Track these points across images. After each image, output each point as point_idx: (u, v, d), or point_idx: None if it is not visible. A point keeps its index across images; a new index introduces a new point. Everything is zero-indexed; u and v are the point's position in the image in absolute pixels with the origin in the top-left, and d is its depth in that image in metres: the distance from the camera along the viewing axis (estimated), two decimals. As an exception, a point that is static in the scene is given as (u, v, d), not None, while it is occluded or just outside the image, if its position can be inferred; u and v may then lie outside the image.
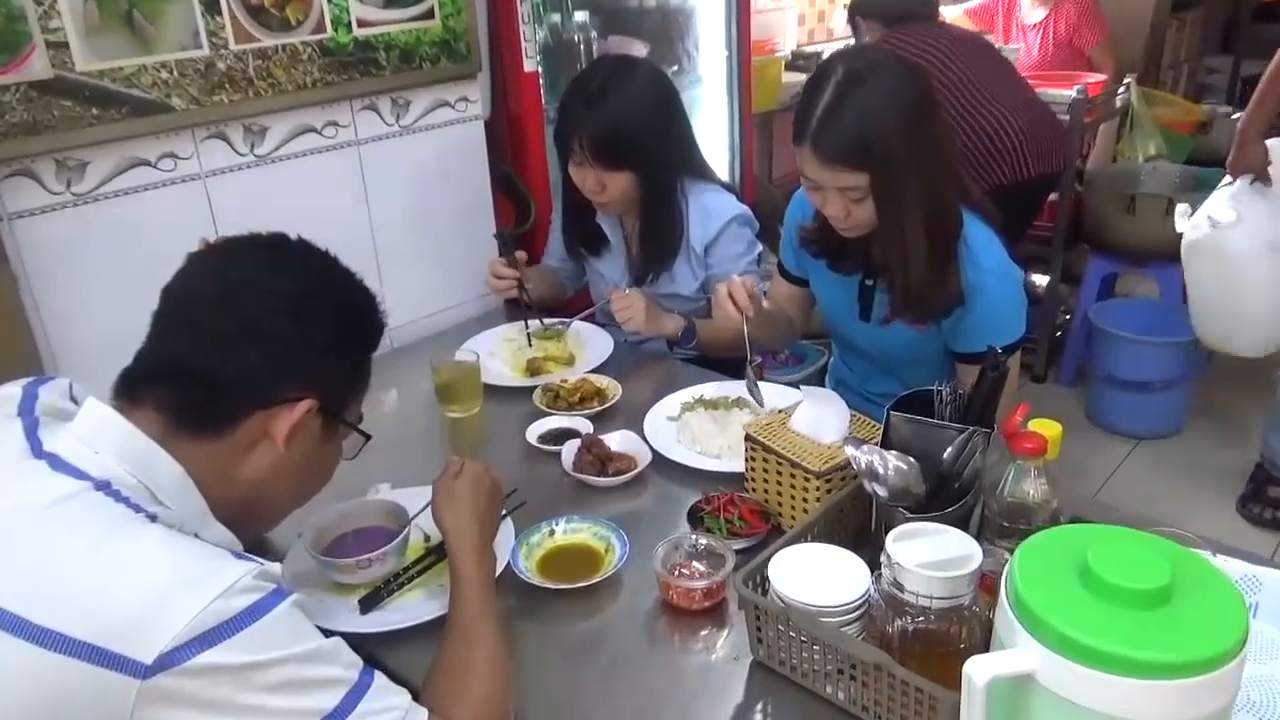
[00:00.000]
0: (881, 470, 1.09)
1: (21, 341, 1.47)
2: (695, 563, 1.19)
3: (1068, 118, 3.01)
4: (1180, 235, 2.54)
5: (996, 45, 3.32)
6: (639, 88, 1.75)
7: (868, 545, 1.12)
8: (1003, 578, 0.79)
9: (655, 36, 2.80)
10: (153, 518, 0.82)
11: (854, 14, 2.93)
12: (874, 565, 1.00)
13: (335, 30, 1.77)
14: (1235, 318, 2.48)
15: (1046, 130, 2.80)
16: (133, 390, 0.91)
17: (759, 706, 1.04)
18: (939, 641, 0.92)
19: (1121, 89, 3.54)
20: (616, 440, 1.48)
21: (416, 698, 0.90)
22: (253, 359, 0.91)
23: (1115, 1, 4.08)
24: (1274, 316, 2.42)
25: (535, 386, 1.69)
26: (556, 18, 2.48)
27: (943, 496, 1.10)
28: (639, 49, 2.65)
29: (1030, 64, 3.88)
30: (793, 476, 1.26)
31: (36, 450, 0.85)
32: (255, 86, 1.68)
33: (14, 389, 0.94)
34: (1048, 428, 1.08)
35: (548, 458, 1.50)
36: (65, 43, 1.45)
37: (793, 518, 1.28)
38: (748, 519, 1.28)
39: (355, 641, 0.95)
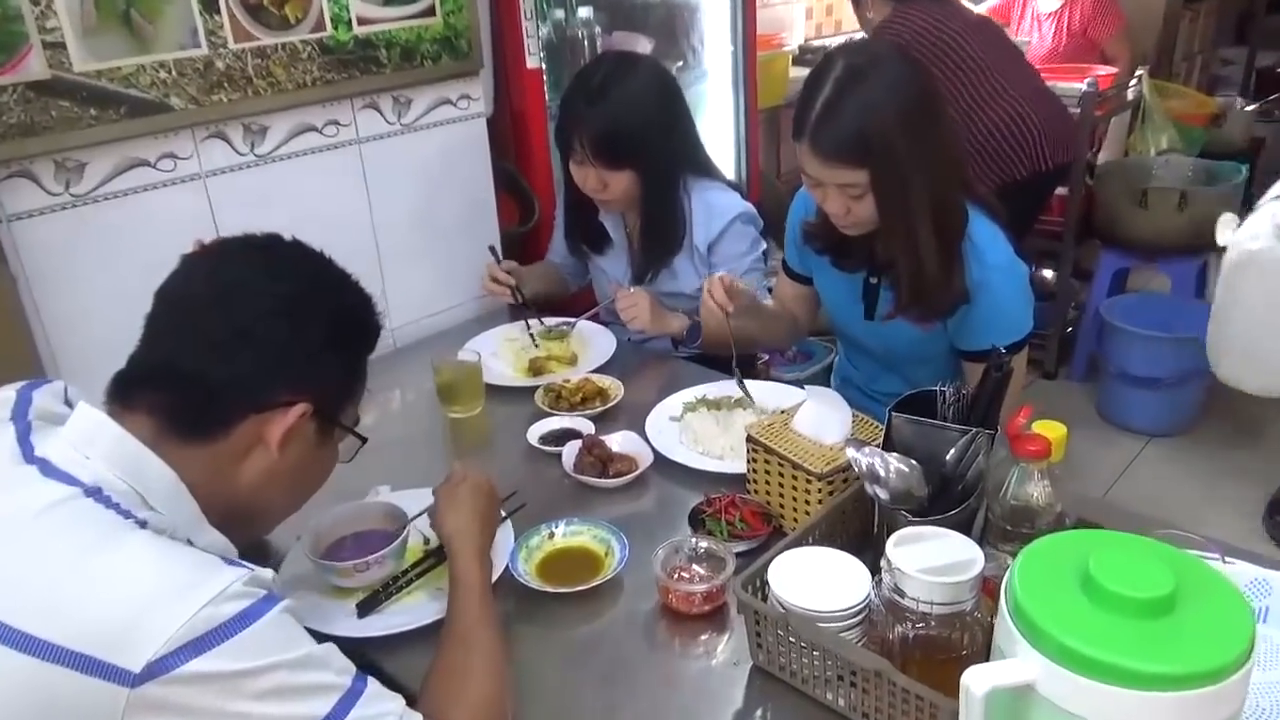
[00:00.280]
0: (883, 473, 1.08)
1: (21, 343, 1.47)
2: (696, 566, 1.18)
3: (1078, 111, 2.96)
4: (1223, 248, 2.12)
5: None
6: (640, 85, 1.74)
7: (870, 548, 1.11)
8: (1003, 585, 0.78)
9: (660, 31, 2.78)
10: (143, 523, 0.82)
11: None
12: (876, 568, 0.98)
13: (335, 28, 1.76)
14: None
15: (1059, 122, 2.75)
16: (125, 393, 0.90)
17: (758, 712, 1.03)
18: (940, 647, 0.91)
19: (1133, 81, 3.50)
20: (618, 441, 1.47)
21: (413, 703, 0.89)
22: (245, 362, 0.91)
23: (1130, -7, 4.04)
24: None
25: (537, 386, 1.68)
26: (560, 13, 2.46)
27: (945, 499, 1.09)
28: (643, 44, 2.63)
29: (1042, 54, 3.84)
30: (794, 478, 1.24)
31: (28, 455, 0.84)
32: (255, 85, 1.67)
33: (8, 392, 0.93)
34: (1052, 429, 1.06)
35: (549, 459, 1.49)
36: (62, 43, 1.44)
37: (795, 519, 1.26)
38: (749, 521, 1.27)
39: (353, 645, 0.95)
